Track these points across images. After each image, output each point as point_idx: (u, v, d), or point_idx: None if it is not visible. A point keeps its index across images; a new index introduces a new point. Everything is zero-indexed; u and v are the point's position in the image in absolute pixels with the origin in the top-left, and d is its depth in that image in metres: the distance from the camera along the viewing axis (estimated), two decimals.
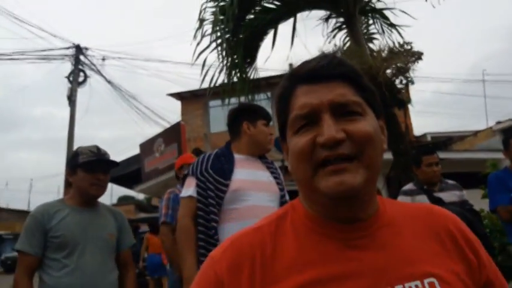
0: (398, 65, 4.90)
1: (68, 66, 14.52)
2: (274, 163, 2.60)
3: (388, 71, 4.90)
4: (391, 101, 5.08)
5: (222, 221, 2.13)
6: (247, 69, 5.47)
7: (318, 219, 0.71)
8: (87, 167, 2.23)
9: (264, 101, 6.05)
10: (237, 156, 2.30)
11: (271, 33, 5.33)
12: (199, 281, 0.72)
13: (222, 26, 4.48)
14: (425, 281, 0.65)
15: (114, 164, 2.33)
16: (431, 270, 0.67)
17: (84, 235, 2.17)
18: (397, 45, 5.13)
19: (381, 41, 5.96)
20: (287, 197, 2.59)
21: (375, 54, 5.29)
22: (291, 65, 15.00)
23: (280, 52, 5.66)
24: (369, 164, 0.66)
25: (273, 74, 13.92)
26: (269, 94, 7.51)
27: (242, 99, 5.55)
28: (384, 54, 4.96)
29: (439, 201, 3.18)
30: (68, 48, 14.50)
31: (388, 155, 5.59)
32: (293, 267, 0.67)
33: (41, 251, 2.12)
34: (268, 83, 12.34)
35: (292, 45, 5.55)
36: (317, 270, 0.66)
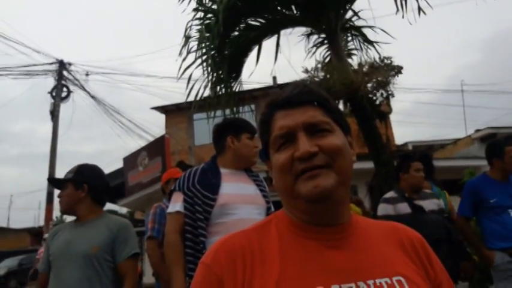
0: (379, 79, 5.06)
1: (51, 82, 14.38)
2: (260, 175, 2.65)
3: (369, 85, 5.04)
4: (372, 114, 5.22)
5: (210, 235, 2.15)
6: (232, 84, 5.55)
7: (299, 224, 0.81)
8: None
9: (248, 113, 6.12)
10: (223, 170, 2.33)
11: (255, 49, 5.44)
12: (201, 286, 0.78)
13: (208, 43, 4.56)
14: (394, 279, 0.74)
15: (61, 180, 2.42)
16: (400, 271, 0.76)
17: (64, 252, 2.21)
18: (377, 60, 5.29)
19: (360, 57, 6.15)
20: (273, 209, 2.64)
21: (355, 68, 5.44)
22: (274, 78, 15.07)
23: (264, 65, 5.77)
24: (340, 171, 0.77)
25: (257, 86, 14.09)
26: (253, 107, 7.60)
27: (227, 112, 5.62)
28: (364, 69, 5.10)
29: (419, 209, 3.27)
30: (51, 63, 14.36)
31: (370, 165, 5.73)
32: (278, 264, 0.75)
33: (47, 268, 2.30)
34: (252, 95, 12.47)
35: (275, 60, 5.66)
36: (298, 266, 0.75)
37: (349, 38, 6.16)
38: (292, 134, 0.78)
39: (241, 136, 2.36)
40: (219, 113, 5.59)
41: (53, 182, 2.49)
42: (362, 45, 6.09)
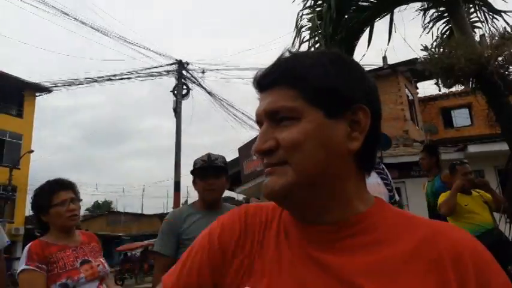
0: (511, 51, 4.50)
1: (172, 81, 15.81)
2: (382, 165, 2.61)
3: (500, 58, 4.52)
4: (505, 91, 4.67)
5: None
6: None
7: (289, 217, 0.74)
8: (199, 175, 2.45)
9: None
10: None
11: (367, 30, 5.25)
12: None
13: (320, 31, 4.55)
14: None
15: (220, 168, 2.45)
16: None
17: None
18: (509, 30, 4.71)
19: (486, 29, 5.51)
20: (397, 197, 2.60)
21: (482, 41, 4.93)
22: (384, 58, 14.34)
23: (376, 43, 5.50)
24: (298, 169, 0.65)
25: (367, 69, 13.58)
26: None
27: None
28: (494, 42, 4.59)
29: None
30: (171, 64, 15.77)
31: (498, 147, 5.14)
32: (271, 254, 0.71)
33: (174, 253, 2.32)
34: None
35: (389, 40, 5.38)
36: (275, 263, 0.69)
37: (472, 10, 5.57)
38: (262, 122, 0.70)
39: None
40: None
41: (214, 168, 2.43)
42: (487, 15, 5.46)
